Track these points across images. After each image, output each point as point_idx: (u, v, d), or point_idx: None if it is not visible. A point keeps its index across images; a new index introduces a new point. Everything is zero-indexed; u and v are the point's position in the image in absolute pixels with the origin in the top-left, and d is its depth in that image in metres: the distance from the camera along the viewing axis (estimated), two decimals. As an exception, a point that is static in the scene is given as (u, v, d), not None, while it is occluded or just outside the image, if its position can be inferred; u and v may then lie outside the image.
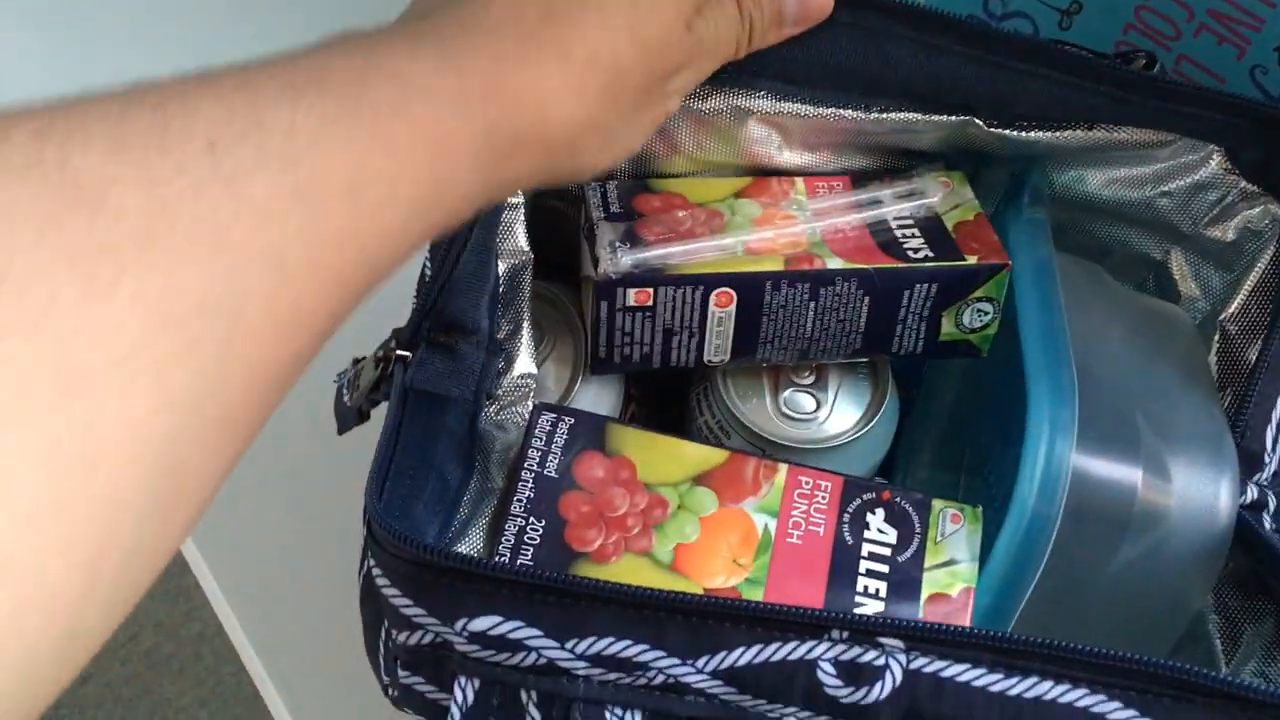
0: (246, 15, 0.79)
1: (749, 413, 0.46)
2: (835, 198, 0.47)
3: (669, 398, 0.51)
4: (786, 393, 0.47)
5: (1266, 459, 0.42)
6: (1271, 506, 0.42)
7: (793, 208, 0.46)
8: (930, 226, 0.45)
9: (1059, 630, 0.34)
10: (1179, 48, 0.54)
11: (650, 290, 0.43)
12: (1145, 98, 0.44)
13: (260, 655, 0.63)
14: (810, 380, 0.47)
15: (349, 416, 0.42)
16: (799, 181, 0.47)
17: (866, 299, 0.44)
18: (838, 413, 0.47)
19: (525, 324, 0.43)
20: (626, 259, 0.43)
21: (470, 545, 0.40)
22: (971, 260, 0.44)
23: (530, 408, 0.43)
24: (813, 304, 0.44)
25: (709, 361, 0.45)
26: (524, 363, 0.43)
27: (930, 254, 0.44)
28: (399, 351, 0.41)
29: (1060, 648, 0.33)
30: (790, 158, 0.48)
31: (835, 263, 0.43)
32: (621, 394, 0.48)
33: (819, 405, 0.47)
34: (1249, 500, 0.41)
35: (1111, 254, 0.52)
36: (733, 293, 0.43)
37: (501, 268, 0.43)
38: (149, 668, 1.26)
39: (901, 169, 0.48)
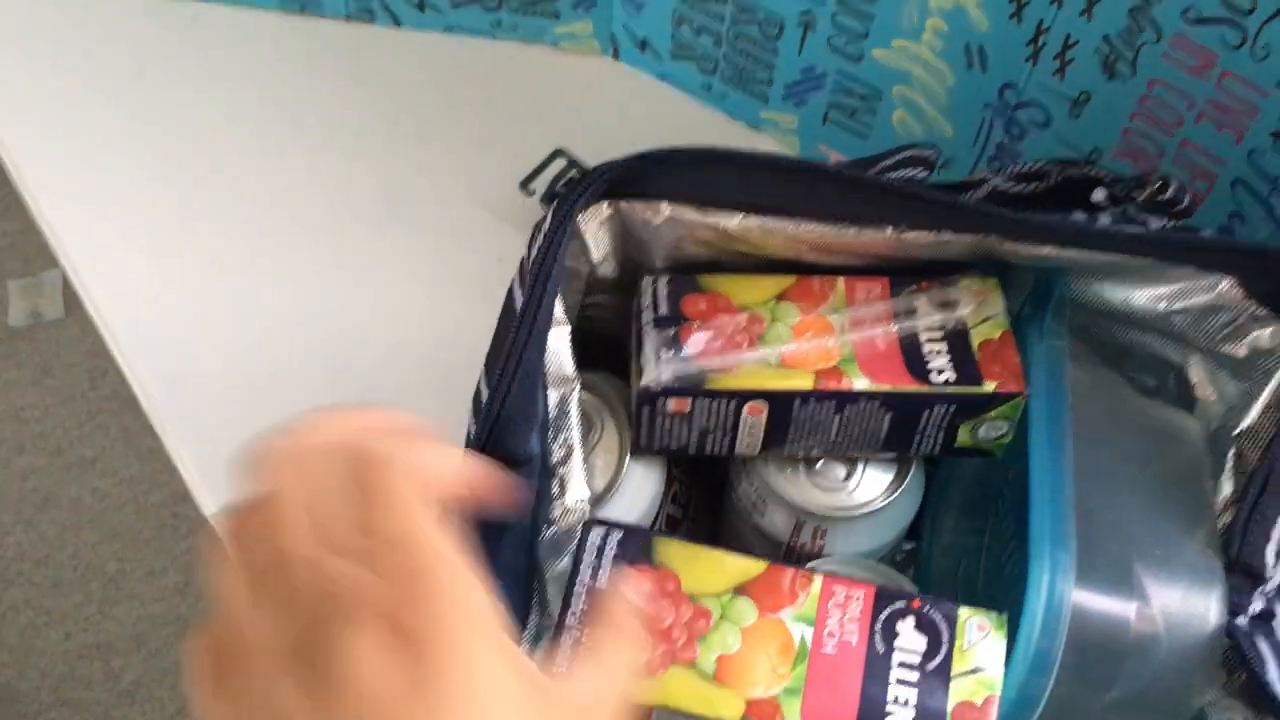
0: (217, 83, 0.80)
1: (784, 483, 0.49)
2: (873, 305, 0.49)
3: (709, 475, 0.54)
4: (819, 464, 0.49)
5: (1268, 574, 0.44)
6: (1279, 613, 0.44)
7: (831, 313, 0.49)
8: (957, 343, 0.48)
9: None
10: (1181, 134, 0.57)
11: (689, 400, 0.46)
12: (1156, 246, 0.46)
13: None
14: None
15: None
16: (839, 283, 0.50)
17: (888, 414, 0.47)
18: (867, 481, 0.49)
19: (577, 448, 0.46)
20: (668, 372, 0.46)
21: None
22: (990, 386, 0.46)
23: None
24: (838, 416, 0.47)
25: (740, 455, 0.48)
26: (578, 488, 0.45)
27: (952, 377, 0.46)
28: None
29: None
30: (816, 258, 0.50)
31: (861, 383, 0.46)
32: (664, 475, 0.51)
33: (849, 474, 0.49)
34: (1257, 611, 0.43)
35: (1132, 354, 0.53)
36: (764, 405, 0.46)
37: (553, 397, 0.45)
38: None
39: (937, 275, 0.50)
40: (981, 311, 0.48)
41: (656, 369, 0.46)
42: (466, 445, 0.42)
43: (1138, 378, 0.54)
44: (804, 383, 0.46)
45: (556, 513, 0.44)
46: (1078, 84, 0.59)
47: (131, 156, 0.77)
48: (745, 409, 0.46)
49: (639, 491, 0.50)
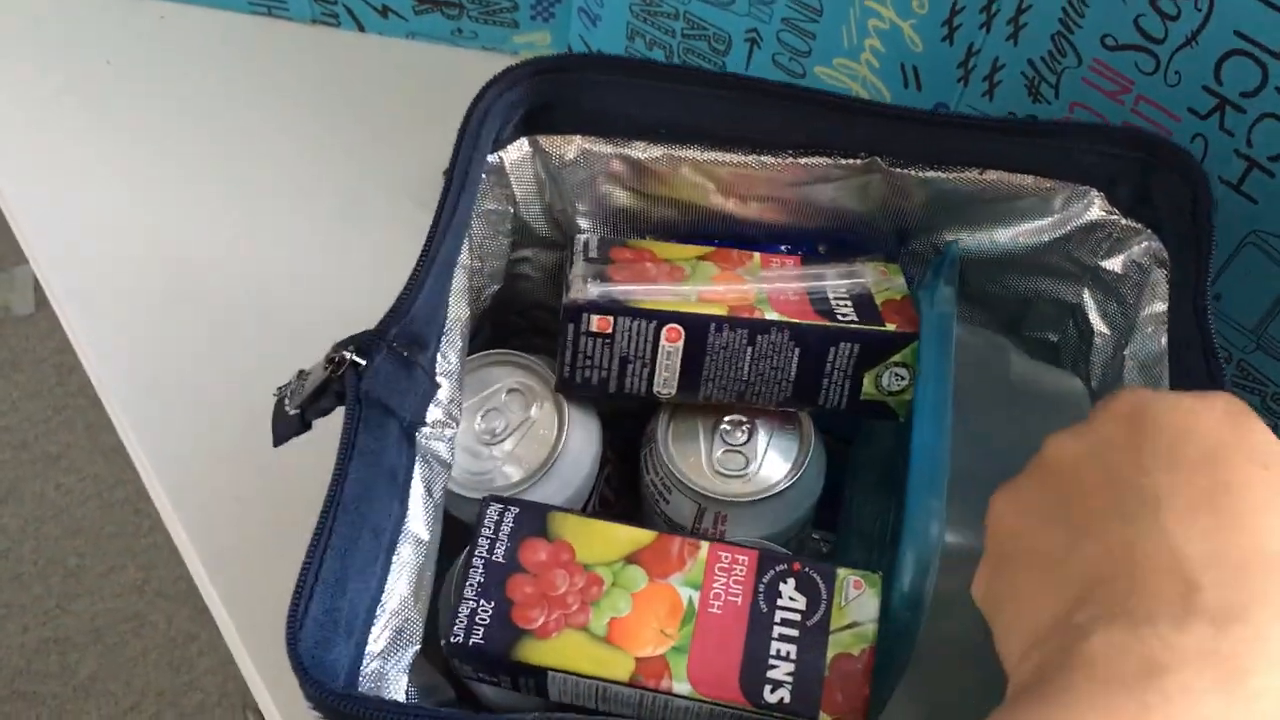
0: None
1: (687, 471, 0.51)
2: (785, 270, 0.53)
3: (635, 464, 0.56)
4: (719, 453, 0.52)
5: None
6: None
7: (746, 274, 0.52)
8: (861, 301, 0.51)
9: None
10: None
11: (610, 319, 0.49)
12: (1016, 136, 0.50)
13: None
14: (742, 441, 0.52)
15: (289, 426, 0.44)
16: (756, 255, 0.53)
17: (797, 350, 0.49)
18: (766, 469, 0.52)
19: (455, 375, 0.48)
20: (594, 290, 0.49)
21: (398, 598, 0.43)
22: (890, 327, 0.49)
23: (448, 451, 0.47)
24: (750, 349, 0.49)
25: (657, 393, 0.51)
26: (443, 406, 0.47)
27: (855, 318, 0.50)
28: (353, 357, 0.43)
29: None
30: (725, 204, 0.54)
31: (772, 315, 0.49)
32: (598, 456, 0.53)
33: (749, 462, 0.52)
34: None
35: (1032, 304, 0.57)
36: (681, 329, 0.49)
37: (452, 311, 0.48)
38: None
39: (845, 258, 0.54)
40: (883, 283, 0.52)
41: (584, 288, 0.50)
42: (384, 320, 0.44)
43: (1039, 335, 0.58)
44: (719, 311, 0.49)
45: (430, 418, 0.46)
46: (1005, 105, 0.62)
47: (100, 154, 0.79)
48: (664, 334, 0.49)
49: (574, 471, 0.52)
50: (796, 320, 0.49)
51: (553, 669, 0.42)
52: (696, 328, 0.49)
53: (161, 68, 0.83)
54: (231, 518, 0.65)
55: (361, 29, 0.84)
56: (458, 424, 0.48)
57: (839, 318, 0.50)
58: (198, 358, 0.70)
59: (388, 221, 0.76)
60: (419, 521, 0.45)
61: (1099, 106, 0.57)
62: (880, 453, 0.57)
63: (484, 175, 0.50)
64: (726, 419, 0.52)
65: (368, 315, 0.72)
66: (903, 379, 0.50)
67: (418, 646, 0.44)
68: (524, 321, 0.60)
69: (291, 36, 0.85)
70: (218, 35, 0.84)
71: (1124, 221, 0.52)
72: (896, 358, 0.50)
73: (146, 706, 1.43)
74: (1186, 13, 0.51)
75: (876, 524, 0.54)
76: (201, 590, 0.64)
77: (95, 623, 1.49)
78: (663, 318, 0.49)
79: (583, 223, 0.55)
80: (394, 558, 0.43)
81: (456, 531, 0.49)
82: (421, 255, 0.46)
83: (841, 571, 0.44)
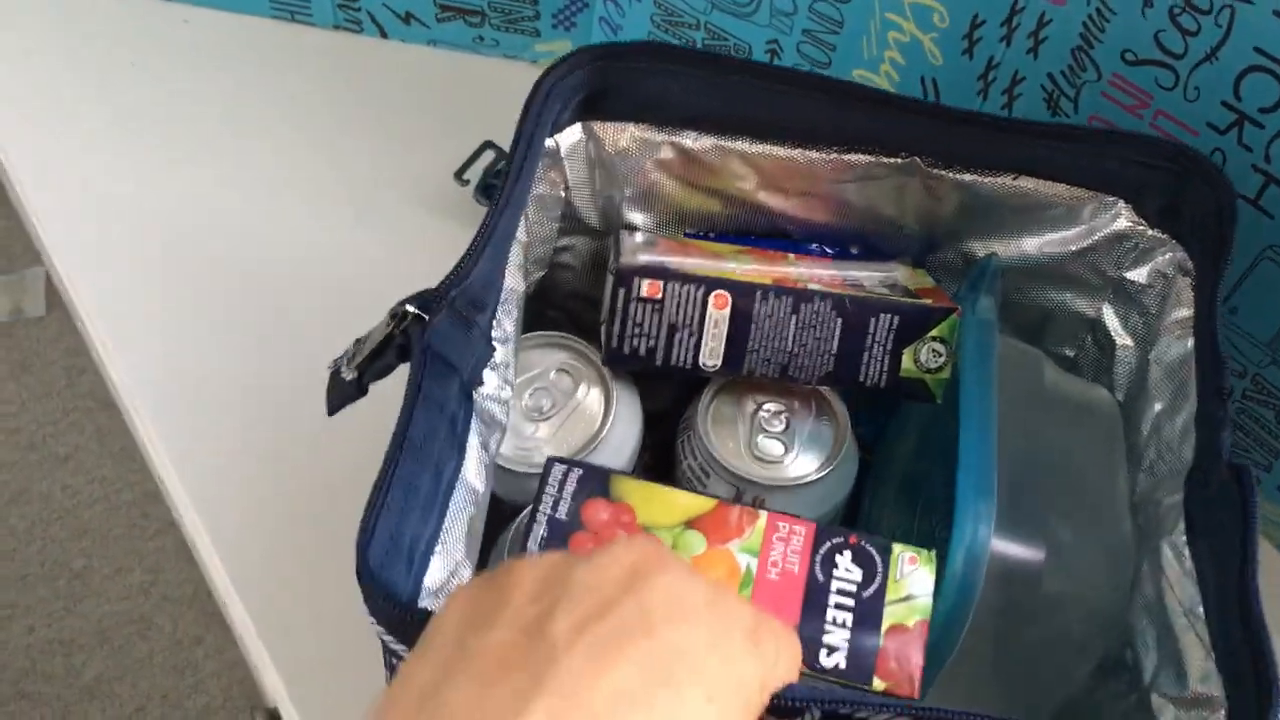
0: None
1: (727, 455, 0.52)
2: (824, 267, 0.55)
3: (670, 454, 0.57)
4: (758, 438, 0.53)
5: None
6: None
7: (788, 266, 0.55)
8: (895, 286, 0.53)
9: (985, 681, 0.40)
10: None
11: (661, 283, 0.50)
12: (1050, 140, 0.52)
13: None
14: (780, 429, 0.53)
15: (345, 391, 0.44)
16: (790, 255, 0.56)
17: (839, 320, 0.51)
18: (802, 457, 0.53)
19: (511, 342, 0.49)
20: (644, 257, 0.51)
21: (453, 539, 0.44)
22: (927, 301, 0.51)
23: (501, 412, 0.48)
24: (794, 318, 0.51)
25: (703, 365, 0.52)
26: (499, 371, 0.48)
27: (892, 296, 0.52)
28: (416, 310, 0.44)
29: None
30: (766, 198, 0.56)
31: (815, 286, 0.51)
32: (639, 440, 0.54)
33: (786, 450, 0.53)
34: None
35: (1054, 317, 0.58)
36: (728, 296, 0.51)
37: (509, 280, 0.49)
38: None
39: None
40: (914, 279, 0.54)
41: (634, 255, 0.51)
42: (446, 279, 0.45)
43: (1057, 350, 0.59)
44: (764, 280, 0.51)
45: (487, 380, 0.47)
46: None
47: (119, 155, 0.79)
48: (711, 300, 0.51)
49: (614, 456, 0.53)
50: (839, 291, 0.51)
51: None
52: (744, 295, 0.51)
53: (184, 71, 0.83)
54: (248, 516, 0.65)
55: (384, 35, 0.85)
56: (511, 389, 0.49)
57: (876, 292, 0.52)
58: (216, 359, 0.71)
59: (408, 226, 0.76)
60: (474, 473, 0.46)
61: (1118, 121, 0.58)
62: (900, 465, 0.58)
63: (540, 159, 0.52)
64: (765, 406, 0.53)
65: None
66: (940, 355, 0.52)
67: None
68: (561, 314, 0.61)
69: (314, 41, 0.85)
70: (241, 39, 0.85)
71: (1150, 232, 0.53)
72: (934, 332, 0.51)
73: (152, 709, 1.43)
74: (1206, 29, 0.52)
75: (895, 535, 0.54)
76: (219, 590, 0.65)
77: (101, 625, 1.49)
78: (711, 284, 0.51)
79: (629, 210, 0.57)
80: (451, 502, 0.44)
81: (490, 506, 0.49)
82: (482, 226, 0.47)
83: (897, 547, 0.45)
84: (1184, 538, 0.47)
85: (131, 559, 1.53)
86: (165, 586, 1.52)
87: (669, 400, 0.59)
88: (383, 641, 0.39)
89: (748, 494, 0.52)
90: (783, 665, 0.35)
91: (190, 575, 1.52)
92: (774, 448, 0.53)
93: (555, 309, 0.61)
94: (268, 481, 0.66)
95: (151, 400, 0.69)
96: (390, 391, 0.45)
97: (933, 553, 0.45)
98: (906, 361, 0.52)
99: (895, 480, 0.59)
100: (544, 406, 0.53)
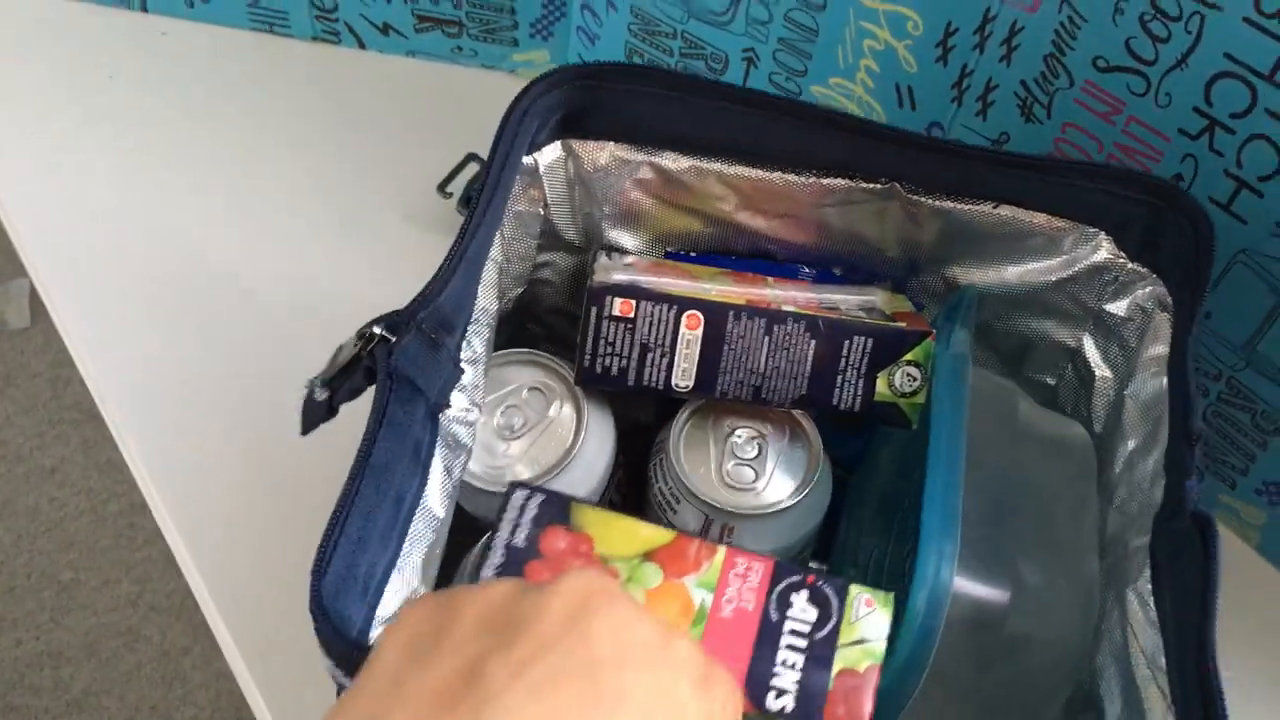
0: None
1: (697, 483, 0.52)
2: (798, 287, 0.55)
3: (641, 473, 0.57)
4: (730, 465, 0.52)
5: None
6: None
7: (766, 288, 0.54)
8: (872, 310, 0.53)
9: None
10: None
11: (633, 302, 0.50)
12: (1032, 173, 0.51)
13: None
14: (753, 455, 0.53)
15: (317, 412, 0.44)
16: (770, 279, 0.55)
17: (812, 342, 0.51)
18: (774, 484, 0.52)
19: (480, 363, 0.49)
20: (618, 275, 0.51)
21: (410, 568, 0.44)
22: (902, 324, 0.51)
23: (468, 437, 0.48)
24: (767, 339, 0.51)
25: (675, 385, 0.52)
26: (467, 392, 0.48)
27: (868, 318, 0.52)
28: (382, 332, 0.44)
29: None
30: (747, 219, 0.56)
31: (789, 308, 0.51)
32: (611, 459, 0.54)
33: (758, 476, 0.52)
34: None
35: (1035, 346, 0.57)
36: (700, 316, 0.50)
37: (480, 299, 0.49)
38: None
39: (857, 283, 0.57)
40: (893, 303, 0.54)
41: (608, 274, 0.51)
42: (414, 301, 0.45)
43: (1038, 377, 0.59)
44: (738, 301, 0.51)
45: (454, 402, 0.47)
46: (998, 125, 0.63)
47: (99, 167, 0.79)
48: (684, 320, 0.50)
49: (586, 475, 0.52)
50: (812, 313, 0.51)
51: None
52: (716, 315, 0.50)
53: (163, 83, 0.83)
54: (230, 529, 0.65)
55: (362, 46, 0.85)
56: (480, 410, 0.49)
57: (851, 315, 0.52)
58: (196, 371, 0.71)
59: (388, 237, 0.77)
60: (436, 499, 0.45)
61: (1090, 127, 0.58)
62: (879, 487, 0.58)
63: (518, 176, 0.51)
64: (738, 431, 0.53)
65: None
66: (915, 379, 0.51)
67: None
68: (541, 329, 0.61)
69: (292, 53, 0.85)
70: (219, 51, 0.85)
71: (1130, 265, 0.53)
72: (909, 356, 0.51)
73: (140, 720, 1.43)
74: (1177, 35, 0.52)
75: (872, 556, 0.54)
76: (200, 603, 0.65)
77: (89, 637, 1.48)
78: (683, 304, 0.50)
79: (610, 228, 0.57)
80: (410, 529, 0.44)
81: (461, 524, 0.49)
82: (454, 246, 0.46)
83: (854, 589, 0.44)
84: (1149, 586, 0.46)
85: (119, 570, 1.53)
86: (153, 597, 1.51)
87: (651, 414, 0.59)
88: (331, 675, 0.39)
89: (717, 522, 0.51)
90: (727, 716, 0.35)
91: (178, 586, 1.52)
92: (746, 474, 0.52)
93: (535, 323, 0.61)
94: (249, 492, 0.66)
95: (133, 412, 0.69)
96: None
97: (891, 595, 0.45)
98: (881, 385, 0.52)
99: (874, 501, 0.58)
100: (515, 425, 0.52)
